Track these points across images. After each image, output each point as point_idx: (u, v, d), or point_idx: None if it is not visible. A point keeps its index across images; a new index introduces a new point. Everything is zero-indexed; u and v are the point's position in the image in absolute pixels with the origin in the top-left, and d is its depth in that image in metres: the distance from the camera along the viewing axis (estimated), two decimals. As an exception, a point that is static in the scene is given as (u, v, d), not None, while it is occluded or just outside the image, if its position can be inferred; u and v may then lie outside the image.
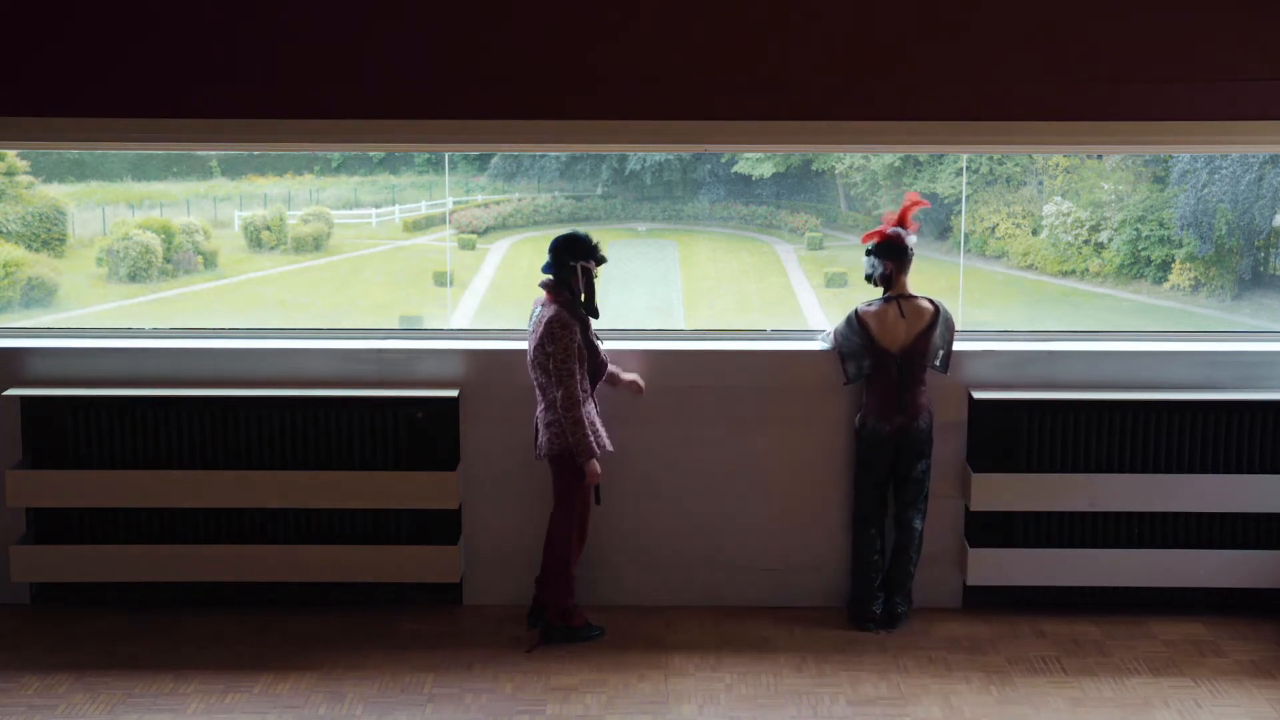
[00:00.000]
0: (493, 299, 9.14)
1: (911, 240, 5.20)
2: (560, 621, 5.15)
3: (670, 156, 9.27)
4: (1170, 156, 8.74)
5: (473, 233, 9.59)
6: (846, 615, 5.40)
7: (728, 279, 9.91)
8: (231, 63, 4.95)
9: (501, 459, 5.40)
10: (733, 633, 5.28)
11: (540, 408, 5.02)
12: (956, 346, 5.31)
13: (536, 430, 5.06)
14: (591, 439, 4.90)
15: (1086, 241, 9.18)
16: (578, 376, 4.88)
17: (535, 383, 5.01)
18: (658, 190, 9.56)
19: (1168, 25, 4.87)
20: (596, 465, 4.94)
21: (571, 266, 4.95)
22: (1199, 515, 5.35)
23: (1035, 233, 9.33)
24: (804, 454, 5.43)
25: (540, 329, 4.92)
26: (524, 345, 5.17)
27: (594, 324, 5.09)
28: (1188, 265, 8.76)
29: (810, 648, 5.14)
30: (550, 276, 4.98)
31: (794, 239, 9.72)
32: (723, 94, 4.93)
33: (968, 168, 8.99)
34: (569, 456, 4.94)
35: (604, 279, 5.08)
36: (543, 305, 5.01)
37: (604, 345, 5.19)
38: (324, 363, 5.43)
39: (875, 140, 5.15)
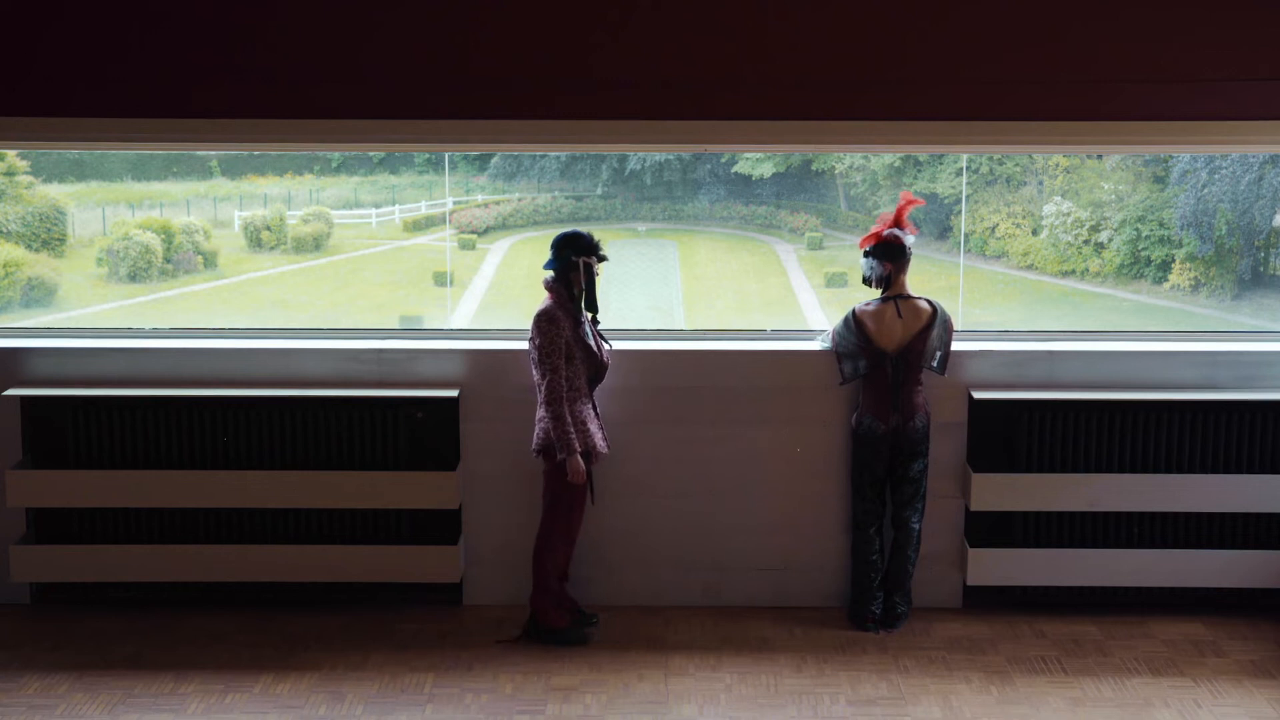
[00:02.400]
0: (493, 299, 9.12)
1: (910, 241, 5.20)
2: (544, 621, 5.14)
3: (670, 156, 9.26)
4: (1170, 156, 8.73)
5: (473, 233, 9.57)
6: (846, 615, 5.40)
7: (728, 279, 9.89)
8: (231, 63, 4.95)
9: (501, 459, 5.40)
10: (733, 633, 5.28)
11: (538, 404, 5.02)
12: (956, 346, 5.31)
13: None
14: (572, 435, 4.85)
15: (1086, 241, 9.16)
16: (562, 371, 4.86)
17: (534, 381, 5.01)
18: (658, 190, 9.54)
19: (1168, 25, 4.87)
20: (579, 462, 4.89)
21: (574, 261, 4.95)
22: (1199, 515, 5.35)
23: (1035, 233, 9.31)
24: (804, 453, 5.43)
25: (531, 324, 4.92)
26: (524, 345, 5.18)
27: (598, 325, 5.09)
28: (1188, 265, 8.75)
29: (810, 648, 5.14)
30: (552, 273, 4.98)
31: (794, 239, 9.70)
32: (723, 94, 4.93)
33: (968, 168, 8.98)
34: (554, 452, 4.93)
35: (604, 279, 5.09)
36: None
37: (609, 347, 5.18)
38: (324, 363, 5.43)
39: (875, 140, 5.15)
